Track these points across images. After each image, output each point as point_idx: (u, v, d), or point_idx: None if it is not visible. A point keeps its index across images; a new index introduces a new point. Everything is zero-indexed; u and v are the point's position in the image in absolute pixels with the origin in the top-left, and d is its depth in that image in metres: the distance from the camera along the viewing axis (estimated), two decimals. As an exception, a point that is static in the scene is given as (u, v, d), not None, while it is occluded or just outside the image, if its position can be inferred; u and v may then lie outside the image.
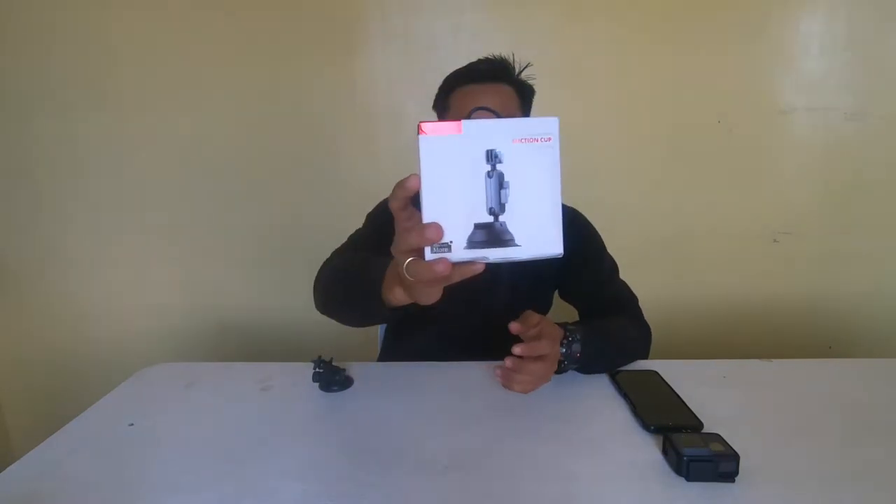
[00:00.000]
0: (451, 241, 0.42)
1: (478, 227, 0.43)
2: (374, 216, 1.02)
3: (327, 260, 0.91)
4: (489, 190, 0.42)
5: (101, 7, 1.39)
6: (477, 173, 0.42)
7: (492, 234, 0.43)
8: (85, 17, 1.40)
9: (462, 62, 0.95)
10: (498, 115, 0.86)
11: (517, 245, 0.43)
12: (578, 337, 0.81)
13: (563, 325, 0.81)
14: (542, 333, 0.76)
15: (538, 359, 0.76)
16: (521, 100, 0.94)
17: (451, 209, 0.42)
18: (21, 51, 1.42)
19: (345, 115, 1.44)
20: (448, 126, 0.41)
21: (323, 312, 0.82)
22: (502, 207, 0.43)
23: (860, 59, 1.36)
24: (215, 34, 1.40)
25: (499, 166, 0.42)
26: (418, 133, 0.42)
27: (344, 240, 1.04)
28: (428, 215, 0.42)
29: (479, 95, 0.90)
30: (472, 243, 0.43)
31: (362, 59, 1.40)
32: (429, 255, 0.43)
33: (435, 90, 0.96)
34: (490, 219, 0.43)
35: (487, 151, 0.42)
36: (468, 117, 0.86)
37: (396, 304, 0.59)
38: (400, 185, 0.44)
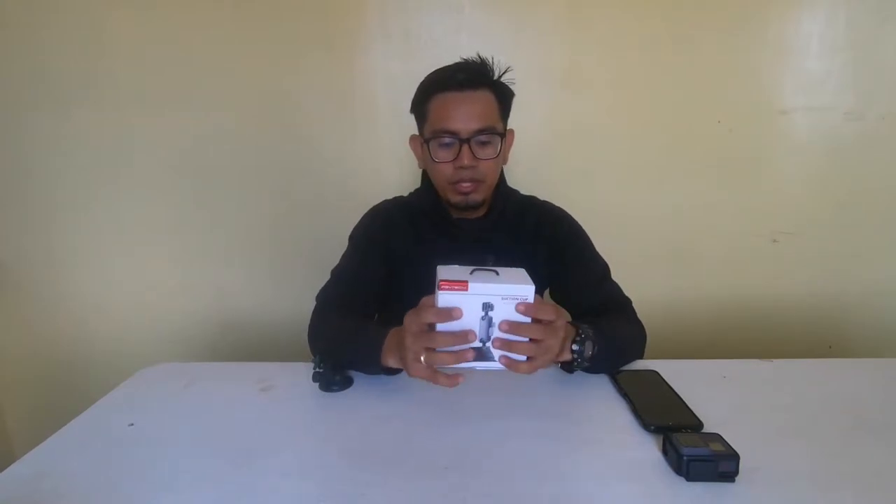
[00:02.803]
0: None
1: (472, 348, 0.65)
2: (358, 237, 1.05)
3: (324, 302, 0.97)
4: (481, 328, 0.65)
5: (99, 5, 1.39)
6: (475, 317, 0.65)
7: (480, 354, 0.66)
8: (83, 16, 1.39)
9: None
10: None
11: (496, 362, 0.66)
12: (591, 335, 0.80)
13: (573, 324, 0.80)
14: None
15: (545, 325, 0.67)
16: (501, 104, 0.94)
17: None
18: (18, 49, 1.42)
19: (345, 115, 1.43)
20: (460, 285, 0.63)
21: (314, 354, 0.91)
22: (488, 338, 0.65)
23: (860, 59, 1.36)
24: (215, 34, 1.39)
25: (490, 313, 0.64)
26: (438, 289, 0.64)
27: (340, 237, 1.06)
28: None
29: (457, 103, 0.90)
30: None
31: (362, 58, 1.40)
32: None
33: None
34: (480, 345, 0.65)
35: (484, 304, 0.63)
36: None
37: (391, 367, 0.79)
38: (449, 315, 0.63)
